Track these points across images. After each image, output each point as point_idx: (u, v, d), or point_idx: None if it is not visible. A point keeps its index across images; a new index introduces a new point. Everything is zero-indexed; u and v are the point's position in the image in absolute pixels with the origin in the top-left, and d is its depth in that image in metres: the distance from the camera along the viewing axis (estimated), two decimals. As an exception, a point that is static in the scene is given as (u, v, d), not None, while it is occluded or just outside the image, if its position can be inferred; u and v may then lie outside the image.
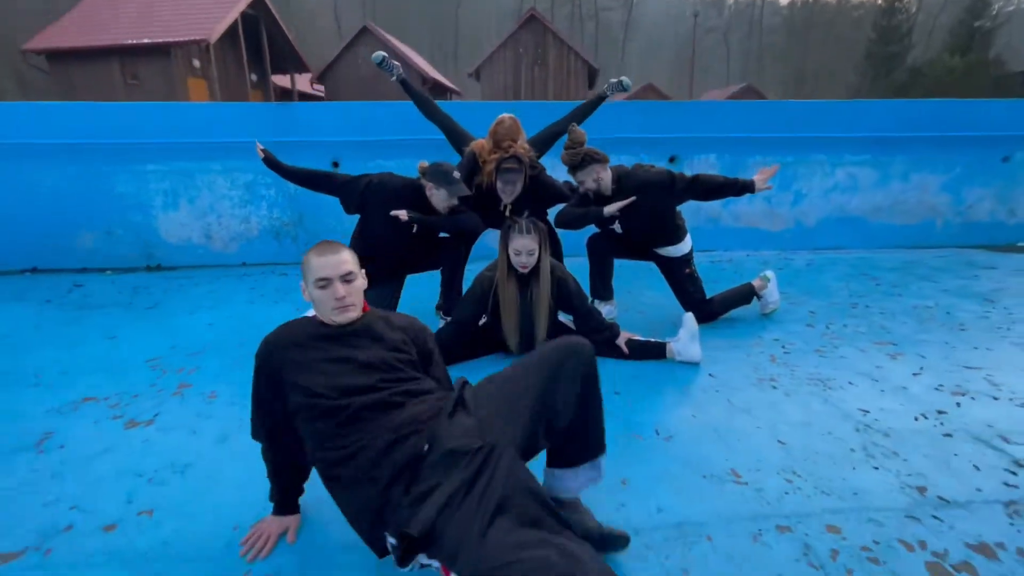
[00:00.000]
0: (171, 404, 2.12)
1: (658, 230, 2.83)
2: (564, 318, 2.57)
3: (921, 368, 2.36)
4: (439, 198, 2.55)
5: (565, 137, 2.81)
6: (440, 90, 27.73)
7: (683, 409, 2.04)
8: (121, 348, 2.70)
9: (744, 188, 2.67)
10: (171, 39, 15.51)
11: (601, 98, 3.26)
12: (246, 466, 1.66)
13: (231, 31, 17.07)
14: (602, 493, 1.55)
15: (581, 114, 3.18)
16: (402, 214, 2.51)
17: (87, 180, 4.21)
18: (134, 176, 4.25)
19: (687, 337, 2.39)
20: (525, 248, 2.23)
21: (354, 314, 1.33)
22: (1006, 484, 1.57)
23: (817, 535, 1.38)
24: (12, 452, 1.79)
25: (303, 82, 24.21)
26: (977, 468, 1.65)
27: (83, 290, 3.77)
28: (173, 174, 4.29)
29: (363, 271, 1.40)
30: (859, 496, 1.53)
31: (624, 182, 2.74)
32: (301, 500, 1.44)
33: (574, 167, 2.71)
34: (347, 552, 1.33)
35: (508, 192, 2.79)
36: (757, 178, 2.67)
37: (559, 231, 2.99)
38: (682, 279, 2.90)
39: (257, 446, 1.38)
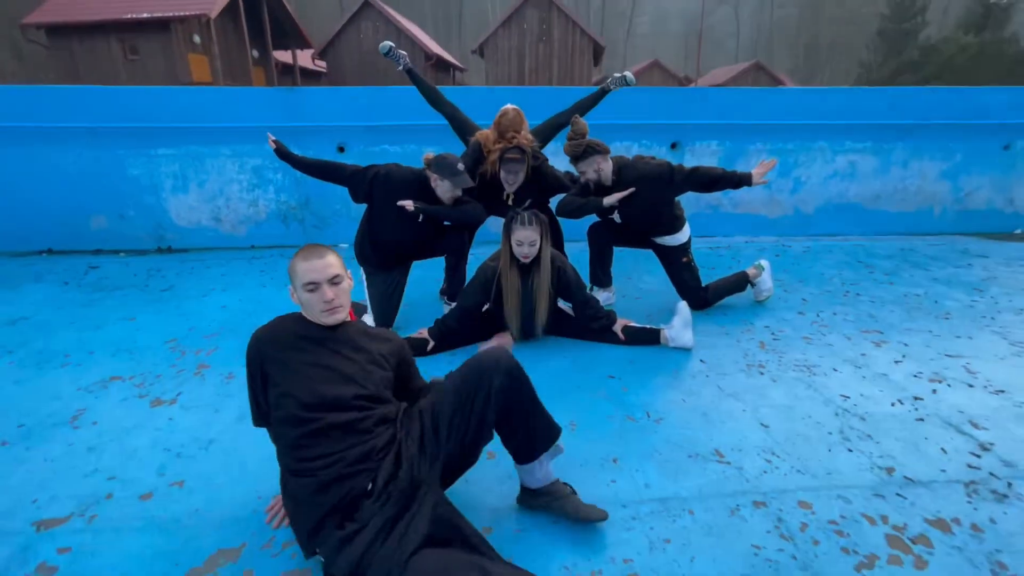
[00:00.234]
0: (192, 384, 2.26)
1: (657, 220, 2.92)
2: (564, 305, 2.68)
3: (903, 356, 2.47)
4: (443, 189, 2.64)
5: (567, 128, 2.88)
6: (444, 66, 27.35)
7: (674, 393, 2.16)
8: (141, 329, 2.84)
9: (741, 181, 2.74)
10: (171, 14, 15.32)
11: (604, 92, 3.31)
12: (265, 442, 1.77)
13: (232, 6, 16.83)
14: (594, 470, 1.69)
15: (583, 107, 3.24)
16: (408, 204, 2.61)
17: (101, 163, 4.30)
18: (146, 160, 4.34)
19: (680, 324, 2.50)
20: (527, 239, 2.33)
21: (342, 315, 1.37)
22: (969, 466, 1.70)
23: (790, 510, 1.52)
24: (50, 427, 1.94)
25: (304, 58, 23.91)
26: (944, 451, 1.78)
27: (99, 272, 3.90)
28: (183, 158, 4.37)
29: (348, 272, 1.42)
30: (832, 475, 1.66)
31: (624, 173, 2.81)
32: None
33: (576, 158, 2.79)
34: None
35: (511, 181, 2.87)
36: (755, 171, 2.74)
37: (560, 219, 3.08)
38: (679, 267, 2.99)
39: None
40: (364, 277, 2.88)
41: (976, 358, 2.43)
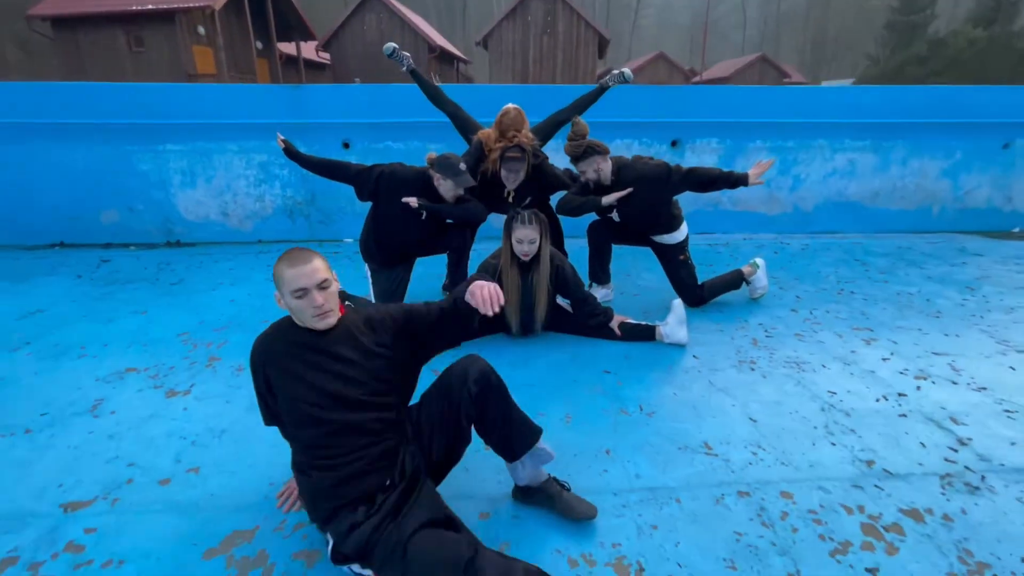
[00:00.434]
0: (204, 376, 2.36)
1: (654, 219, 2.99)
2: (562, 302, 2.76)
3: (892, 353, 2.54)
4: (446, 188, 2.71)
5: (567, 127, 2.95)
6: (447, 58, 27.25)
7: (666, 388, 2.25)
8: (153, 323, 2.93)
9: (738, 181, 2.80)
10: (176, 5, 15.34)
11: (603, 89, 3.36)
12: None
13: (236, -3, 16.82)
14: (588, 460, 1.78)
15: (583, 105, 3.29)
16: (412, 201, 2.69)
17: (112, 159, 4.39)
18: (155, 155, 4.42)
19: (675, 322, 2.58)
20: (527, 237, 2.41)
21: (333, 319, 1.36)
22: (946, 460, 1.78)
23: (772, 500, 1.60)
24: (72, 416, 2.04)
25: (308, 49, 23.87)
26: (923, 445, 1.86)
27: (110, 265, 4.00)
28: (191, 154, 4.45)
29: (335, 274, 1.41)
30: (814, 467, 1.75)
31: (623, 173, 2.88)
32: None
33: (576, 158, 2.85)
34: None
35: (512, 179, 2.95)
36: (751, 172, 2.80)
37: (560, 217, 3.15)
38: (676, 265, 3.06)
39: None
40: (369, 273, 2.97)
41: (962, 356, 2.50)
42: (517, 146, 2.87)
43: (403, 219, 2.76)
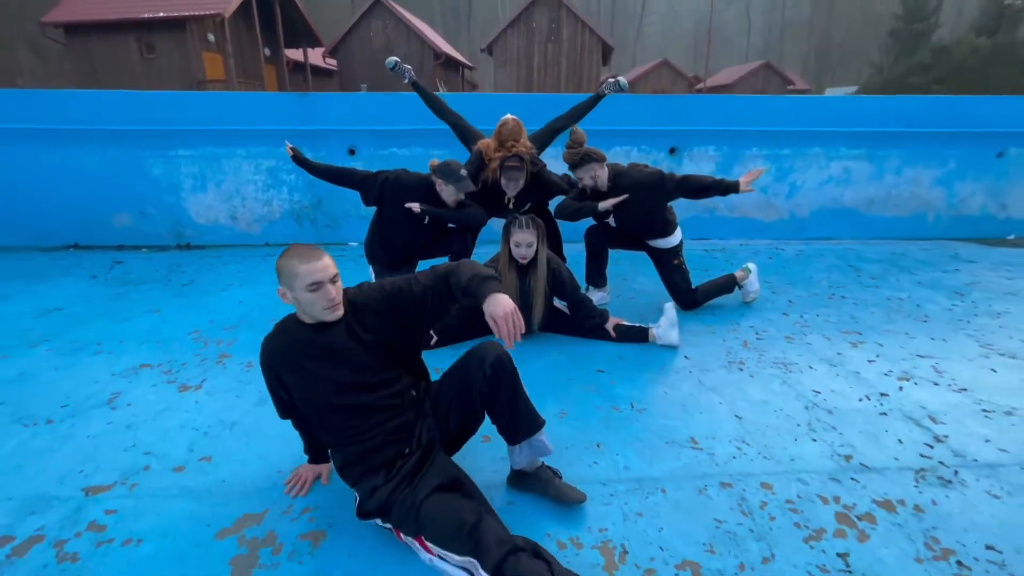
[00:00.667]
0: (215, 371, 2.47)
1: (649, 224, 3.09)
2: (559, 304, 2.86)
3: (877, 356, 2.63)
4: (448, 193, 2.82)
5: (565, 134, 3.05)
6: (453, 65, 27.51)
7: (657, 386, 2.34)
8: (165, 321, 3.05)
9: (729, 188, 2.90)
10: (187, 13, 15.63)
11: (598, 97, 3.47)
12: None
13: (245, 5, 17.12)
14: (579, 453, 1.87)
15: (579, 113, 3.40)
16: (415, 206, 2.80)
17: (125, 163, 4.53)
18: (167, 160, 4.56)
19: (667, 324, 2.67)
20: (524, 241, 2.52)
21: (341, 311, 1.44)
22: (922, 455, 1.86)
23: (753, 491, 1.69)
24: (90, 408, 2.15)
25: (315, 56, 24.18)
26: (901, 442, 1.94)
27: (123, 267, 4.13)
28: (202, 159, 4.59)
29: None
30: (794, 461, 1.83)
31: (619, 180, 2.98)
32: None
33: (574, 165, 2.96)
34: (370, 492, 1.66)
35: (511, 187, 3.05)
36: (742, 179, 2.89)
37: (559, 222, 3.25)
38: (671, 269, 3.16)
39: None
40: (373, 275, 3.08)
41: (946, 359, 2.58)
42: (516, 155, 2.98)
43: (406, 223, 2.87)
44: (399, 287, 1.51)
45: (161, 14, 15.62)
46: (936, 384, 2.35)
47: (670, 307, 2.71)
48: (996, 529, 1.53)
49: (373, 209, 3.01)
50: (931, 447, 1.91)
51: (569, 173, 3.25)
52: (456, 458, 1.64)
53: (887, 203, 5.07)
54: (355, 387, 1.45)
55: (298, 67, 22.91)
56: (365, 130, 4.61)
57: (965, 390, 2.29)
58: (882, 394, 2.27)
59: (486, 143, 3.09)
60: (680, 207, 3.14)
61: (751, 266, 3.25)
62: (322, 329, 1.45)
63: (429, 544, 1.33)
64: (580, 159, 2.92)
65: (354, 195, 3.00)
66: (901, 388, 2.31)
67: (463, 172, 2.78)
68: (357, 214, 4.75)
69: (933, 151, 4.93)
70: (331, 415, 1.47)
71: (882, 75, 29.46)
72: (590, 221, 3.19)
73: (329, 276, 1.39)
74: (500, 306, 1.35)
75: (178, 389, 2.31)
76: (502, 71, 25.20)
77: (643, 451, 1.89)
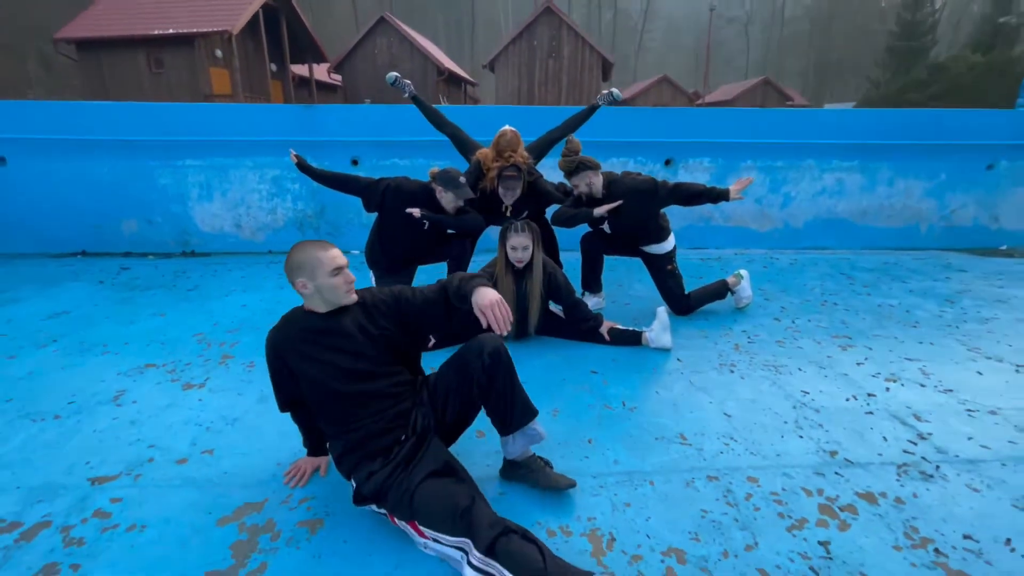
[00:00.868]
0: (218, 371, 2.53)
1: (643, 230, 3.16)
2: (555, 308, 2.92)
3: (866, 358, 2.68)
4: (447, 200, 2.91)
5: (561, 144, 3.15)
6: (456, 80, 27.92)
7: (649, 387, 2.39)
8: (170, 324, 3.12)
9: (720, 196, 2.98)
10: (195, 29, 15.97)
11: (593, 109, 3.57)
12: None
13: (252, 22, 17.48)
14: (571, 448, 1.92)
15: (575, 124, 3.50)
16: (415, 212, 2.88)
17: (133, 173, 4.65)
18: (174, 170, 4.68)
19: (659, 328, 2.73)
20: (520, 244, 2.59)
21: (355, 295, 1.59)
22: (905, 451, 1.91)
23: (739, 484, 1.74)
24: (96, 404, 2.21)
25: (321, 71, 24.58)
26: (885, 439, 1.99)
27: (130, 273, 4.21)
28: (209, 169, 4.70)
29: None
30: (781, 457, 1.88)
31: (613, 187, 3.07)
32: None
33: (569, 172, 3.05)
34: (367, 482, 1.71)
35: (509, 196, 3.14)
36: (732, 188, 2.97)
37: (555, 228, 3.33)
38: (665, 275, 3.22)
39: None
40: (373, 280, 3.16)
41: (932, 361, 2.63)
42: (513, 165, 3.07)
43: (407, 229, 2.96)
44: (406, 296, 1.64)
45: (171, 30, 15.96)
46: (922, 385, 2.40)
47: (663, 311, 2.77)
48: (974, 520, 1.57)
49: (375, 217, 3.10)
50: (915, 444, 1.95)
51: (564, 182, 3.34)
52: (451, 451, 1.69)
53: (880, 214, 5.15)
54: (357, 374, 1.52)
55: (303, 82, 23.28)
56: (368, 141, 4.73)
57: (951, 391, 2.34)
58: (869, 394, 2.32)
59: (485, 153, 3.18)
60: (676, 217, 3.21)
61: (743, 272, 3.32)
62: (334, 315, 1.56)
63: (423, 528, 1.39)
64: (575, 167, 3.01)
65: (357, 204, 3.09)
66: (888, 389, 2.36)
67: (462, 179, 2.87)
68: (359, 222, 4.84)
69: (924, 163, 5.03)
70: (333, 402, 1.53)
71: (879, 91, 29.79)
72: (586, 228, 3.26)
73: (346, 262, 1.55)
74: (486, 297, 1.47)
75: (182, 387, 2.37)
76: (504, 87, 25.57)
77: (633, 446, 1.94)
